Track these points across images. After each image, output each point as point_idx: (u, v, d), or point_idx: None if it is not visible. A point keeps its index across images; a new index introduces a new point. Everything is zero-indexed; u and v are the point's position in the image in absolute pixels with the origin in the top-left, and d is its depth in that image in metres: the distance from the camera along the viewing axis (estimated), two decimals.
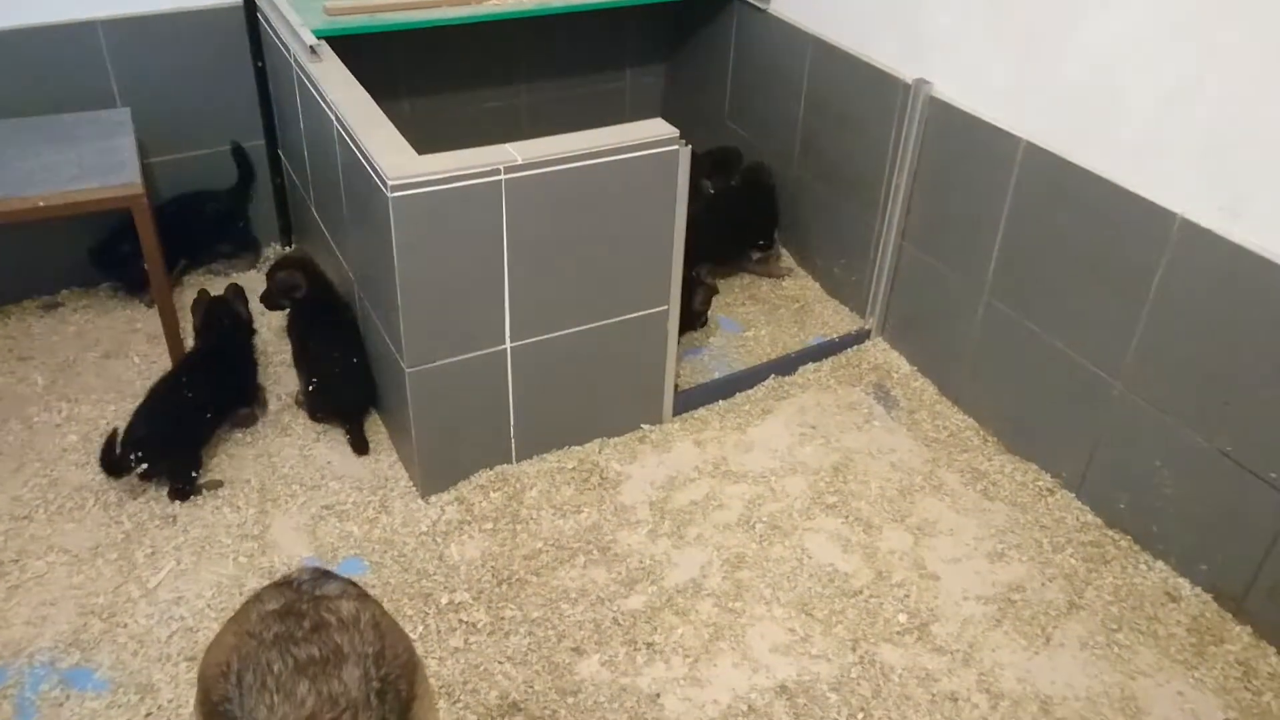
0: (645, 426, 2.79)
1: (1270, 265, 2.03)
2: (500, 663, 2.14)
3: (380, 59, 2.93)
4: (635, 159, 2.33)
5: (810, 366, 3.05)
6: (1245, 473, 2.17)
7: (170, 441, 2.51)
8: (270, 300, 2.88)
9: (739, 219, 3.44)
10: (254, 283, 3.13)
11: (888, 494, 2.61)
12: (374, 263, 2.40)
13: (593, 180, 2.31)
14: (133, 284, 3.17)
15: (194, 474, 2.52)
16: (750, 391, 2.95)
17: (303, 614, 1.32)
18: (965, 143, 2.67)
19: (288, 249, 3.49)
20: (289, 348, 2.93)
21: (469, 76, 3.69)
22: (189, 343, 3.00)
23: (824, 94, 3.16)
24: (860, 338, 3.16)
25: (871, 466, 2.70)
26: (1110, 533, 2.48)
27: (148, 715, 2.01)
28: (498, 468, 2.61)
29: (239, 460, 2.64)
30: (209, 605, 2.24)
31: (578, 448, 2.71)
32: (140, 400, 2.58)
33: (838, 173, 3.17)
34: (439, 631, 2.20)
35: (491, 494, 2.55)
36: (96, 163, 2.67)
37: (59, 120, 2.90)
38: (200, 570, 2.33)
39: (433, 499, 2.53)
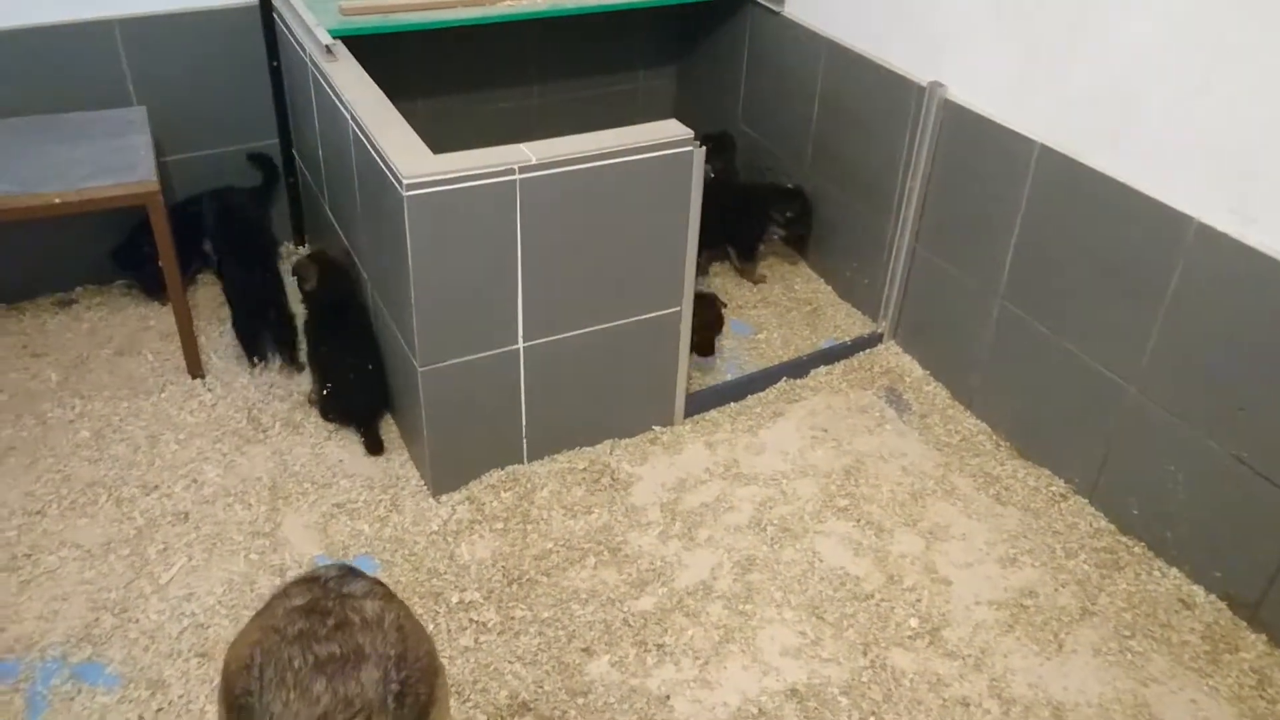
0: (656, 428, 2.79)
1: None
2: (510, 662, 2.14)
3: (393, 59, 2.94)
4: (649, 160, 2.33)
5: (822, 369, 3.04)
6: (1260, 479, 2.16)
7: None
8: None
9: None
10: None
11: (899, 498, 2.60)
12: (388, 262, 2.40)
13: (607, 180, 2.31)
14: (150, 283, 3.16)
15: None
16: (762, 394, 2.94)
17: (327, 611, 1.31)
18: (979, 145, 2.67)
19: (301, 249, 3.50)
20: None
21: (481, 77, 3.70)
22: (204, 340, 3.01)
23: (838, 96, 3.15)
24: (872, 341, 3.15)
25: (883, 470, 2.69)
26: (1123, 539, 2.47)
27: (158, 711, 2.01)
28: (509, 467, 2.61)
29: (251, 457, 2.64)
30: (220, 602, 2.24)
31: (589, 448, 2.70)
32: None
33: (851, 176, 3.17)
34: (449, 630, 2.20)
35: (502, 494, 2.55)
36: (112, 161, 2.68)
37: (75, 118, 2.91)
38: (211, 567, 2.33)
39: (444, 498, 2.54)
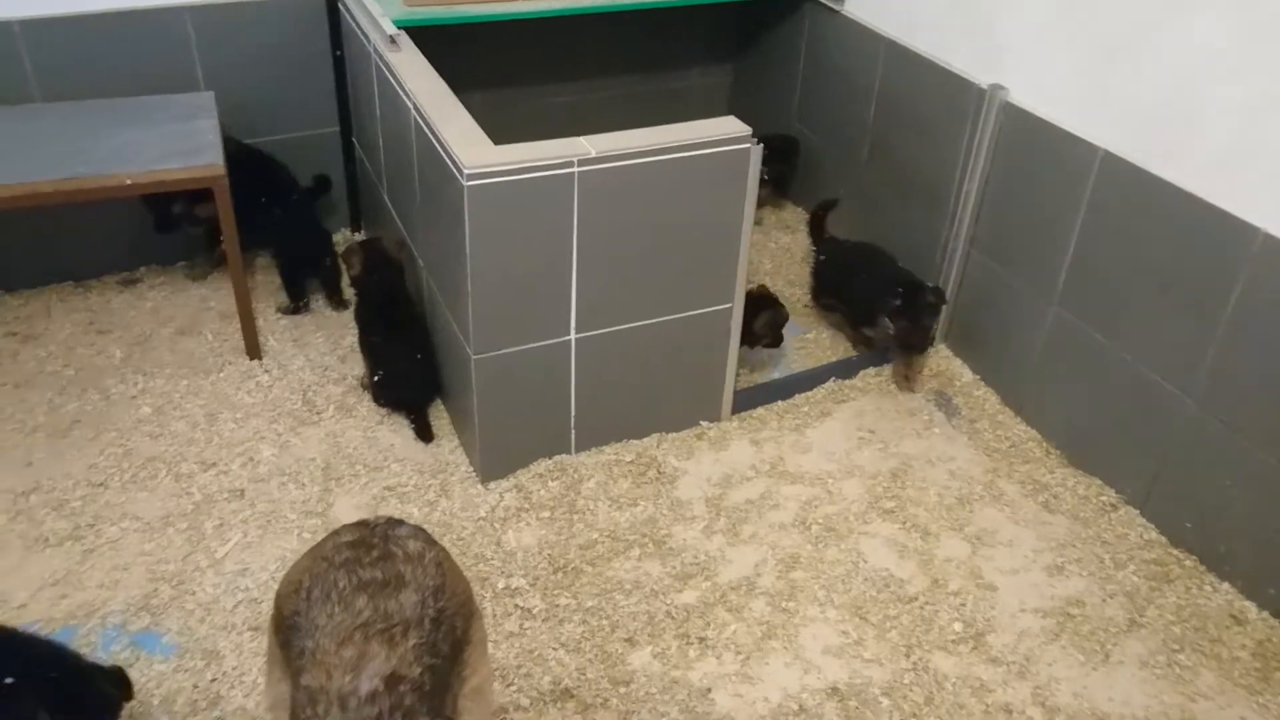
0: (703, 424, 2.80)
1: None
2: (554, 649, 2.17)
3: (453, 51, 2.98)
4: (707, 155, 2.34)
5: (871, 371, 3.03)
6: None
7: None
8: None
9: None
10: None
11: (946, 502, 2.59)
12: (445, 251, 2.44)
13: (663, 175, 2.32)
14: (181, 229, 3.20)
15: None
16: (809, 393, 2.94)
17: (373, 545, 1.46)
18: (1040, 150, 2.64)
19: (356, 235, 3.56)
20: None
21: (539, 71, 3.73)
22: (261, 322, 3.07)
23: (896, 97, 3.14)
24: None
25: (930, 474, 2.68)
26: (1175, 551, 2.44)
27: (212, 680, 2.07)
28: (556, 457, 2.64)
29: (305, 439, 2.70)
30: (273, 578, 2.29)
31: (636, 442, 2.72)
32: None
33: (907, 178, 3.15)
34: (495, 615, 2.23)
35: (550, 483, 2.58)
36: (180, 144, 2.75)
37: (145, 102, 2.99)
38: (265, 544, 2.38)
39: (492, 485, 2.57)
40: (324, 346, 3.05)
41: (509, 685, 2.09)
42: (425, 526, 2.41)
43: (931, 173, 3.02)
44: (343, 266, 2.99)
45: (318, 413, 2.79)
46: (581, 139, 2.26)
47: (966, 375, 3.04)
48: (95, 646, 2.12)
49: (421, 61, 2.60)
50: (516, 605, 2.26)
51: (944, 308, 3.01)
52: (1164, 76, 2.30)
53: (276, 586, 1.52)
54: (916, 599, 2.32)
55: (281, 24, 3.16)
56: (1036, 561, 2.43)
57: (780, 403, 2.91)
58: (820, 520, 2.52)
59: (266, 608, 2.21)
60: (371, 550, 1.46)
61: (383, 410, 2.82)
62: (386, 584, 1.38)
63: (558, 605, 2.27)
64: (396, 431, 2.75)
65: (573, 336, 2.45)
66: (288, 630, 1.43)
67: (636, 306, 2.50)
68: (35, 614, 2.17)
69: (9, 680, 1.66)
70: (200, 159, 2.68)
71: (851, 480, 2.65)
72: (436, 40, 2.82)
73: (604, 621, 2.24)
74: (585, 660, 2.15)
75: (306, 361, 2.98)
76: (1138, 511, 2.54)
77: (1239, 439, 2.26)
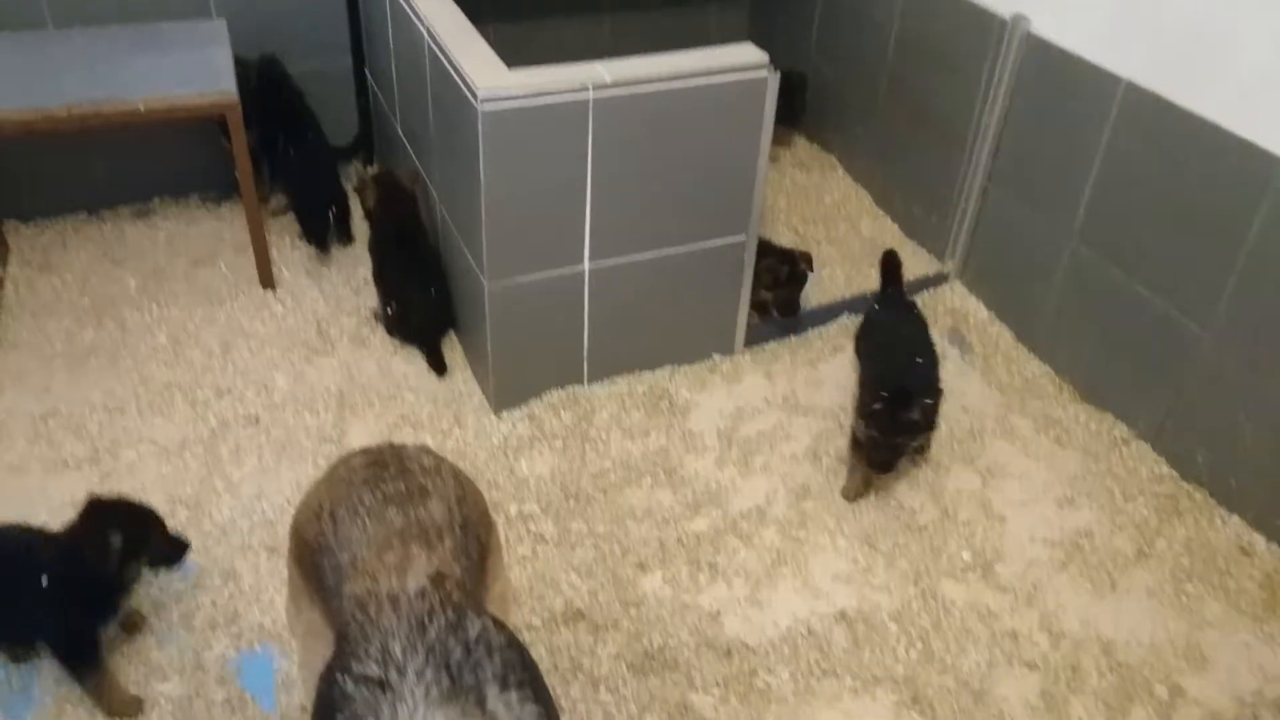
0: (716, 357, 2.80)
1: None
2: (566, 573, 2.19)
3: None
4: (723, 83, 2.32)
5: None
6: None
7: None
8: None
9: None
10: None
11: (957, 435, 2.59)
12: (459, 178, 2.43)
13: (680, 102, 2.30)
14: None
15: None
16: (823, 328, 2.94)
17: (388, 463, 1.47)
18: (1062, 82, 2.60)
19: (369, 170, 3.54)
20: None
21: (554, 3, 3.68)
22: (275, 254, 3.07)
23: (916, 29, 3.09)
24: (937, 280, 3.12)
25: (943, 408, 2.67)
26: (1185, 485, 2.44)
27: (230, 598, 2.11)
28: (569, 388, 2.65)
29: (319, 368, 2.71)
30: (288, 501, 2.32)
31: (648, 373, 2.73)
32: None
33: (925, 111, 3.11)
34: (508, 540, 2.26)
35: (562, 413, 2.59)
36: (194, 71, 2.73)
37: (158, 29, 2.97)
38: (281, 469, 2.41)
39: (505, 415, 2.59)
40: (337, 279, 3.05)
41: (522, 606, 2.12)
42: (440, 454, 2.46)
43: (950, 107, 2.98)
44: (357, 199, 2.98)
45: (331, 343, 2.80)
46: (597, 64, 2.24)
47: (981, 312, 3.02)
48: None
49: None
50: (529, 530, 2.28)
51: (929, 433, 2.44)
52: (1190, 5, 2.25)
53: (293, 512, 1.53)
54: (926, 528, 2.33)
55: None
56: (1047, 494, 2.44)
57: (793, 338, 2.90)
58: (832, 452, 2.53)
59: (283, 530, 2.24)
60: (388, 468, 1.48)
61: (396, 342, 2.83)
62: (412, 495, 1.40)
63: (570, 531, 2.29)
64: (410, 363, 2.76)
65: (586, 266, 2.45)
66: (313, 554, 1.44)
67: (651, 236, 2.49)
68: None
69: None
70: (214, 86, 2.67)
71: None
72: None
73: (615, 547, 2.26)
74: (597, 584, 2.18)
75: (320, 293, 2.98)
76: (1149, 446, 2.54)
77: (1254, 372, 2.25)
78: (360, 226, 3.12)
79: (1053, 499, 2.43)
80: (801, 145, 3.83)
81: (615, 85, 2.21)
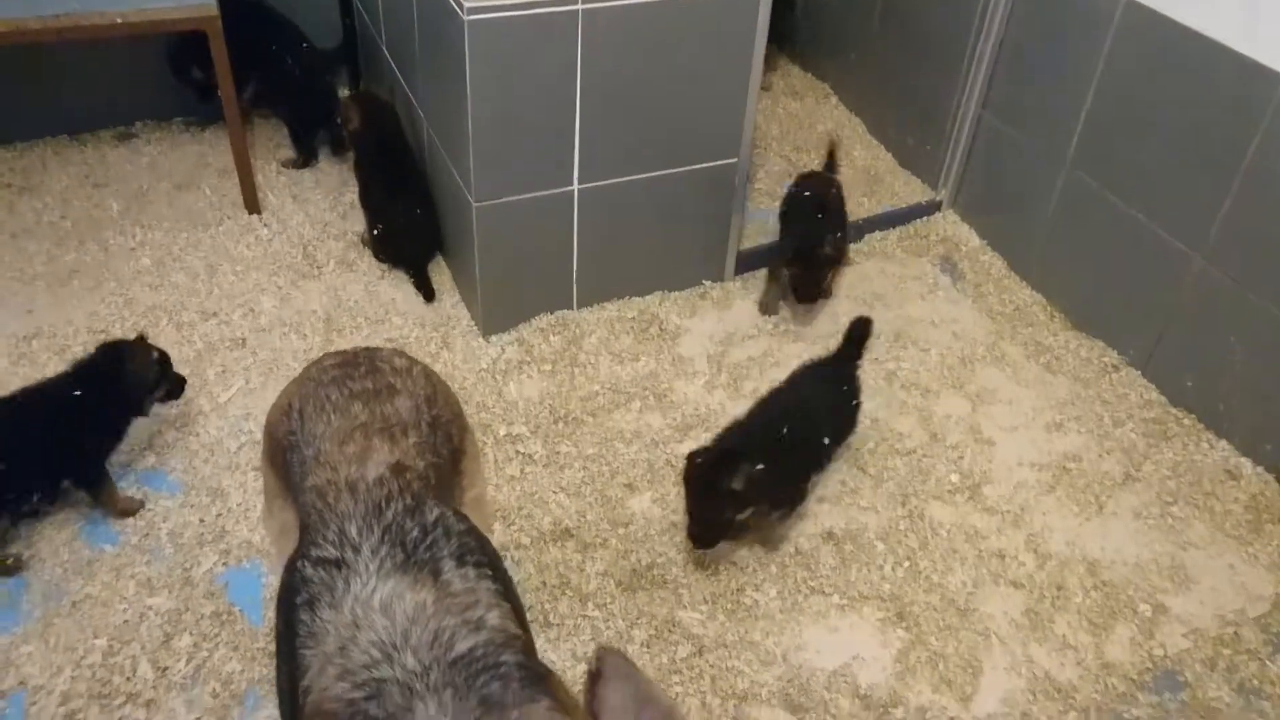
0: (706, 283, 2.78)
1: None
2: (554, 493, 2.19)
3: None
4: None
5: (877, 235, 3.00)
6: None
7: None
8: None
9: None
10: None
11: (948, 361, 2.59)
12: (446, 96, 2.38)
13: (670, 15, 2.25)
14: (203, 93, 3.14)
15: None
16: None
17: (359, 363, 1.48)
18: (1059, 4, 2.55)
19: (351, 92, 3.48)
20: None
21: None
22: (260, 178, 3.02)
23: None
24: (930, 209, 3.09)
25: (932, 335, 2.67)
26: (1174, 410, 2.45)
27: (218, 515, 2.10)
28: (558, 313, 2.63)
29: (305, 291, 2.68)
30: None
31: (638, 299, 2.71)
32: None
33: (919, 37, 3.05)
34: (496, 460, 2.25)
35: (551, 337, 2.57)
36: None
37: None
38: (268, 390, 2.39)
39: (493, 339, 2.57)
40: (324, 203, 3.01)
41: (510, 525, 2.12)
42: None
43: (945, 32, 2.92)
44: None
45: (318, 267, 2.77)
46: None
47: (974, 241, 3.00)
48: None
49: None
50: (518, 451, 2.28)
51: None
52: None
53: (263, 483, 1.53)
54: (914, 452, 2.34)
55: None
56: (1036, 420, 2.44)
57: None
58: None
59: None
60: (359, 367, 1.48)
61: (383, 265, 2.79)
62: (379, 392, 1.40)
63: (558, 453, 2.29)
64: (397, 287, 2.74)
65: (575, 187, 2.42)
66: (284, 453, 1.44)
67: (641, 157, 2.45)
68: None
69: None
70: None
71: None
72: None
73: (604, 468, 2.26)
74: (585, 504, 2.18)
75: (306, 217, 2.94)
76: (1139, 373, 2.54)
77: (1246, 294, 2.24)
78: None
79: (1041, 424, 2.43)
80: (795, 73, 3.77)
81: None
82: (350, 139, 2.88)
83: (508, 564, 2.02)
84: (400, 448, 1.32)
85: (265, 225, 2.89)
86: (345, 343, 2.53)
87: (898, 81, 3.21)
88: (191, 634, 1.88)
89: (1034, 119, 2.72)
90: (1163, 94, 2.33)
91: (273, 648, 1.86)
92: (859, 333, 2.32)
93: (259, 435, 2.27)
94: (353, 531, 1.19)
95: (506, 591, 1.20)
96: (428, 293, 2.70)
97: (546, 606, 1.97)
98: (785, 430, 2.05)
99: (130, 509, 2.10)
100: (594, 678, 0.77)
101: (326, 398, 1.40)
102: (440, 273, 2.79)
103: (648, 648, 1.91)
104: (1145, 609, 2.03)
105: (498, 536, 2.08)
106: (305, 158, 3.14)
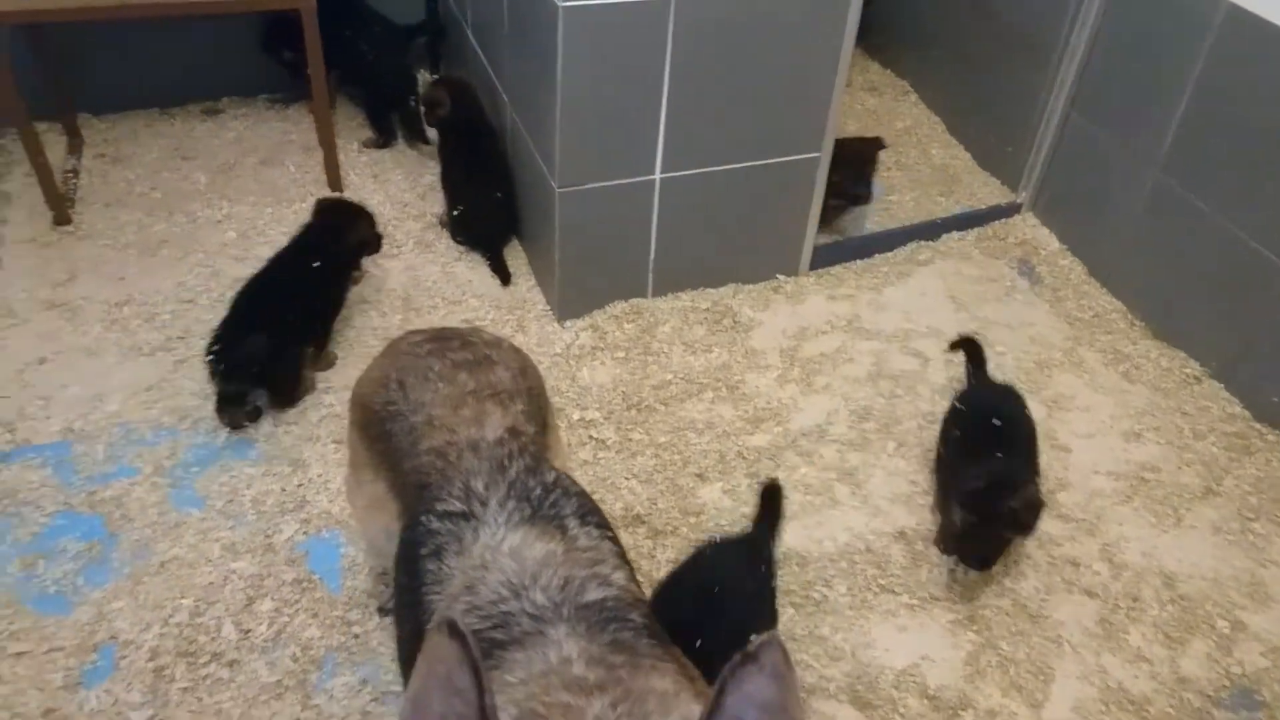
0: (780, 277, 2.78)
1: None
2: (626, 479, 2.21)
3: None
4: None
5: (954, 235, 2.97)
6: None
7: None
8: (419, 121, 2.94)
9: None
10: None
11: (1024, 366, 2.56)
12: (534, 81, 2.40)
13: (761, 8, 2.24)
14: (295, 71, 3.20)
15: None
16: (890, 254, 2.90)
17: (450, 337, 1.53)
18: (1156, 4, 2.50)
19: (435, 77, 3.52)
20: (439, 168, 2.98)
21: None
22: (342, 157, 3.07)
23: None
24: (1009, 211, 3.05)
25: (1008, 338, 2.65)
26: (1257, 425, 2.40)
27: (299, 485, 2.15)
28: (633, 300, 2.65)
29: (385, 270, 2.73)
30: None
31: (712, 290, 2.71)
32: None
33: (1008, 33, 3.01)
34: (570, 444, 2.27)
35: (625, 325, 2.59)
36: None
37: None
38: (348, 366, 2.44)
39: (568, 324, 2.59)
40: (403, 183, 3.05)
41: None
42: None
43: (1036, 28, 2.88)
44: (422, 107, 2.96)
45: (397, 246, 2.81)
46: None
47: (1053, 244, 2.96)
48: (186, 449, 2.21)
49: None
50: (591, 436, 2.30)
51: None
52: None
53: (350, 443, 1.57)
54: None
55: None
56: (1113, 428, 2.41)
57: (859, 262, 2.87)
58: (894, 375, 2.51)
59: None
60: (451, 341, 1.54)
61: (460, 247, 2.83)
62: (479, 363, 1.46)
63: (631, 439, 2.30)
64: (474, 269, 2.77)
65: (657, 176, 2.42)
66: (382, 423, 1.47)
67: (724, 149, 2.45)
68: (130, 415, 2.26)
69: None
70: None
71: (928, 340, 2.62)
72: None
73: (675, 457, 2.27)
74: (656, 491, 2.19)
75: (386, 197, 2.99)
76: (1222, 385, 2.49)
77: None
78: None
79: (1119, 432, 2.39)
80: (873, 69, 3.74)
81: None
82: (435, 122, 2.91)
83: None
84: (511, 413, 1.37)
85: None
86: (423, 322, 2.57)
87: (981, 79, 3.17)
88: (273, 599, 1.94)
89: (1125, 120, 2.67)
90: (1261, 101, 2.28)
91: (350, 616, 1.92)
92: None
93: (339, 409, 2.32)
94: (479, 486, 1.24)
95: (622, 554, 1.24)
96: (504, 276, 2.73)
97: None
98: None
99: (332, 362, 2.44)
100: (745, 659, 0.75)
101: (429, 368, 1.44)
102: (516, 256, 2.82)
103: None
104: (1223, 625, 1.99)
105: None
106: (384, 138, 3.19)
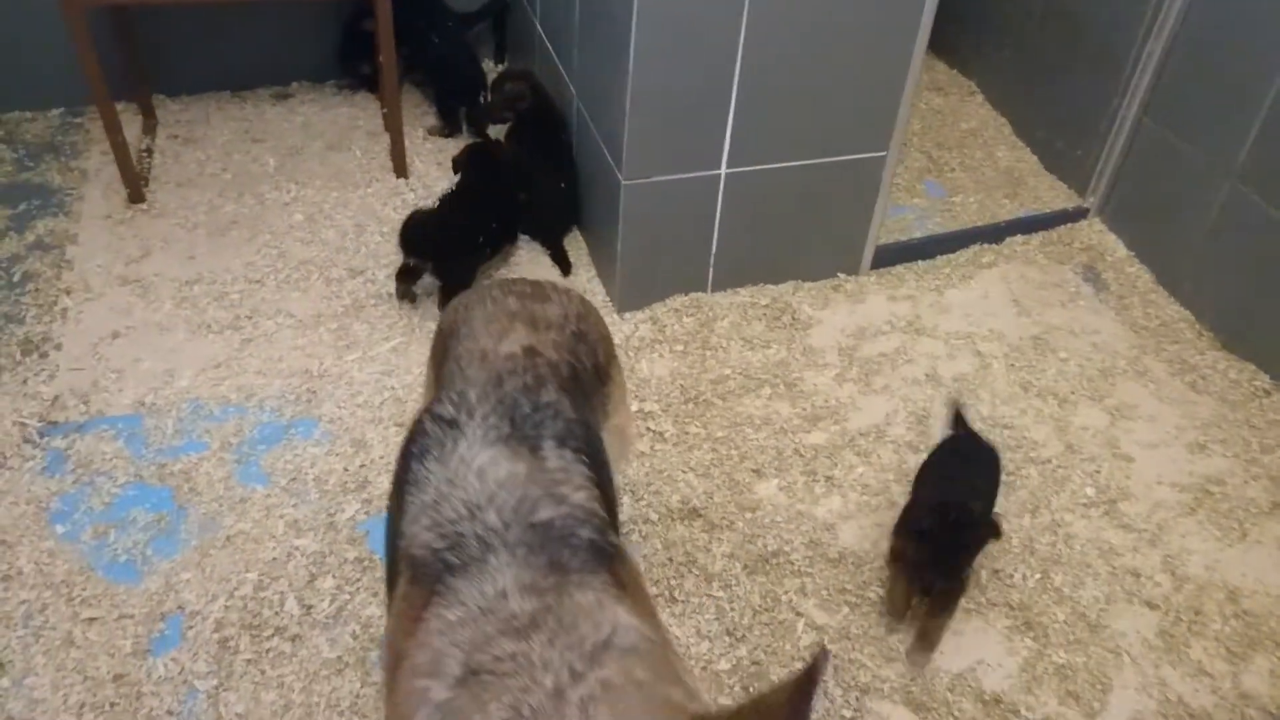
0: (841, 275, 2.76)
1: None
2: (684, 472, 2.22)
3: None
4: None
5: (1019, 238, 2.94)
6: None
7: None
8: (495, 113, 2.96)
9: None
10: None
11: (1087, 373, 2.53)
12: (603, 73, 2.41)
13: (835, 4, 2.23)
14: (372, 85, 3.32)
15: None
16: (952, 255, 2.87)
17: (527, 284, 1.61)
18: (1239, 9, 2.45)
19: (500, 67, 3.54)
20: None
21: None
22: (408, 143, 3.10)
23: None
24: (1076, 215, 3.01)
25: (1072, 344, 2.61)
26: None
27: (361, 466, 2.19)
28: (692, 294, 2.65)
29: None
30: (417, 380, 2.38)
31: (772, 287, 2.71)
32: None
33: (1081, 36, 2.97)
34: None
35: (684, 318, 2.60)
36: None
37: None
38: (411, 348, 2.47)
39: (627, 316, 2.60)
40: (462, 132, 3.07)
41: (639, 500, 2.15)
42: None
43: (1110, 31, 2.83)
44: (503, 99, 2.98)
45: None
46: None
47: (1120, 251, 2.91)
48: (253, 426, 2.25)
49: None
50: (649, 428, 2.31)
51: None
52: None
53: (424, 379, 1.62)
54: (1049, 461, 2.29)
55: None
56: (1178, 438, 2.37)
57: (921, 262, 2.85)
58: (954, 378, 2.49)
59: (412, 407, 2.31)
60: (526, 285, 1.61)
61: (521, 236, 2.85)
62: (534, 295, 1.55)
63: (688, 433, 2.31)
64: (534, 259, 2.79)
65: (723, 171, 2.43)
66: (445, 340, 1.56)
67: (790, 146, 2.45)
68: (199, 391, 2.31)
69: None
70: None
71: (990, 343, 2.60)
72: None
73: (733, 451, 2.27)
74: (713, 485, 2.20)
75: (450, 184, 3.01)
76: None
77: None
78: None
79: (1184, 444, 2.36)
80: (939, 68, 3.70)
81: None
82: (510, 114, 2.93)
83: (635, 539, 2.06)
84: (538, 336, 1.44)
85: (411, 190, 2.98)
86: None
87: (1051, 80, 3.13)
88: (335, 576, 1.97)
89: (1200, 126, 2.62)
90: None
91: None
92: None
93: (401, 393, 2.35)
94: (472, 396, 1.29)
95: (600, 479, 1.26)
96: (565, 266, 2.75)
97: (673, 582, 2.00)
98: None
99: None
100: (813, 676, 0.80)
101: (490, 296, 1.55)
102: (576, 247, 2.84)
103: (771, 632, 1.93)
104: None
105: (626, 509, 2.12)
106: (451, 128, 3.22)
